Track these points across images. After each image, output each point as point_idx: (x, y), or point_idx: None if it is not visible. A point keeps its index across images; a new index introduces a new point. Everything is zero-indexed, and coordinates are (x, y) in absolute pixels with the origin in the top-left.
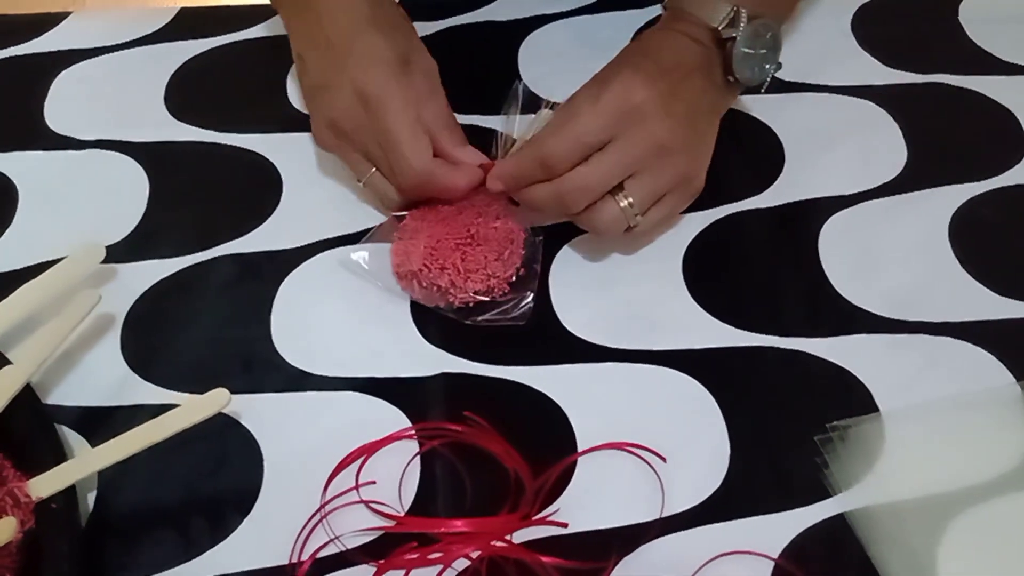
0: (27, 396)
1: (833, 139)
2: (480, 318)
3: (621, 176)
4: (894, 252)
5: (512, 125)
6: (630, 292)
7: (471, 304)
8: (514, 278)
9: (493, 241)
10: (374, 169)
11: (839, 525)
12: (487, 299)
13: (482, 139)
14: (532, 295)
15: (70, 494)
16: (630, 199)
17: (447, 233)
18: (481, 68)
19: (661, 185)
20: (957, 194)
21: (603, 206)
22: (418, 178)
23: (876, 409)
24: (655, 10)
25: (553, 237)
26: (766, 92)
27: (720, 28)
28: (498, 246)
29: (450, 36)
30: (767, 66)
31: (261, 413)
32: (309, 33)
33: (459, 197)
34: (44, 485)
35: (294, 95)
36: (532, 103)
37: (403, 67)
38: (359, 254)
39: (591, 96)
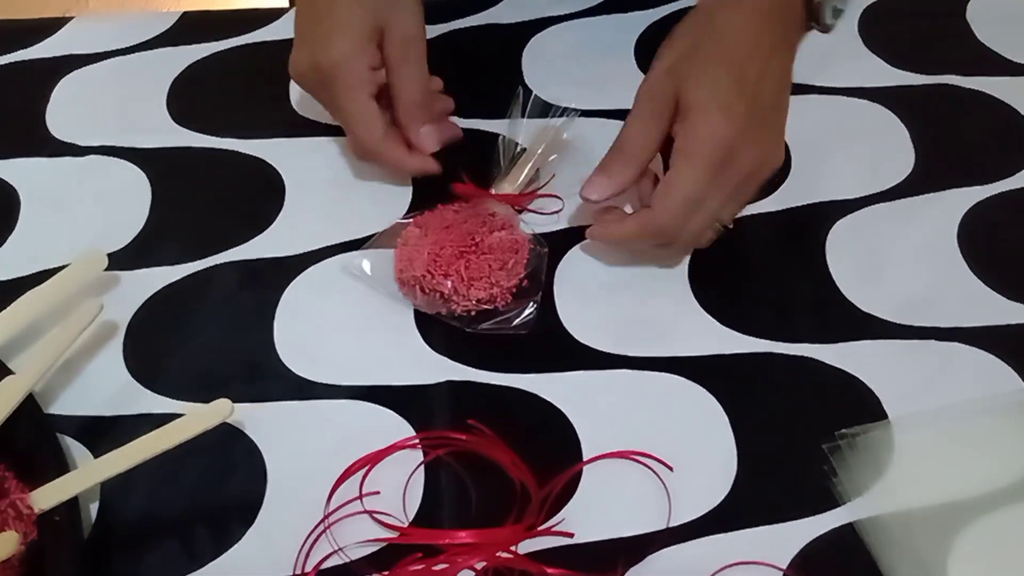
0: (29, 406)
1: (840, 142)
2: (482, 326)
3: (721, 211)
4: (902, 256)
5: (517, 129)
6: (636, 298)
7: (473, 312)
8: (517, 288)
9: (497, 250)
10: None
11: (848, 534)
12: (489, 307)
13: (485, 143)
14: (535, 305)
15: (73, 505)
16: (723, 219)
17: (451, 240)
18: (485, 71)
19: (748, 201)
20: (966, 197)
21: (704, 236)
22: (368, 155)
23: (885, 416)
24: (660, 12)
25: (558, 243)
26: None
27: None
28: (502, 255)
29: (454, 39)
30: (839, 7)
31: (264, 422)
32: None
33: (416, 174)
34: (46, 497)
35: (297, 100)
36: (536, 108)
37: (372, 37)
38: (361, 260)
39: (685, 152)
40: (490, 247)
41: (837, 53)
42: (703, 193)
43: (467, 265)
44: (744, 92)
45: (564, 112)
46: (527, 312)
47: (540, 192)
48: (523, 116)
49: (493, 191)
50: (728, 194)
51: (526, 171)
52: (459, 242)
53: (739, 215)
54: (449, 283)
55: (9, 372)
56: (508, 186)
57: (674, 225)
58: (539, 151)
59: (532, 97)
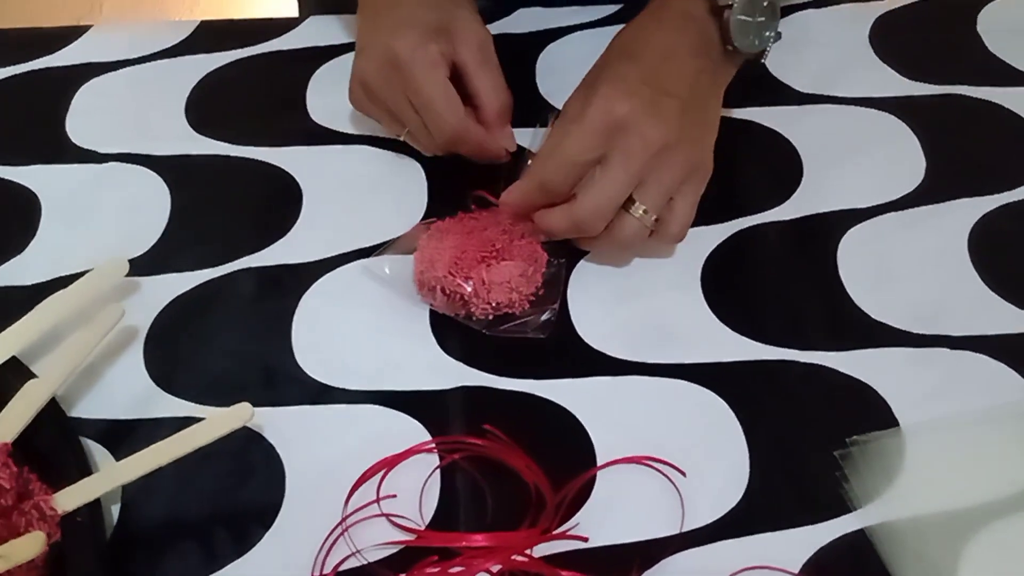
0: (52, 410)
1: (851, 151)
2: (500, 328)
3: (628, 189)
4: (913, 265)
5: (539, 141)
6: (649, 305)
7: (491, 316)
8: (535, 296)
9: (517, 258)
10: (406, 129)
11: (860, 540)
12: (508, 311)
13: None
14: (552, 311)
15: (95, 507)
16: (643, 207)
17: (473, 245)
18: None
19: (669, 184)
20: (976, 207)
21: (620, 222)
22: (454, 132)
23: (896, 423)
24: None
25: (573, 249)
26: (784, 104)
27: None
28: (522, 263)
29: None
30: (767, 33)
31: (283, 426)
32: (366, 3)
33: (495, 156)
34: (69, 498)
35: (314, 108)
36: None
37: (438, 34)
38: (381, 261)
39: (575, 116)
40: (510, 254)
41: (848, 64)
42: (589, 156)
43: (488, 269)
44: (648, 81)
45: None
46: (544, 318)
47: None
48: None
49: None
50: (635, 169)
51: None
52: (480, 248)
53: (753, 224)
54: (470, 286)
55: (32, 376)
56: None
57: (555, 182)
58: None
59: (556, 113)
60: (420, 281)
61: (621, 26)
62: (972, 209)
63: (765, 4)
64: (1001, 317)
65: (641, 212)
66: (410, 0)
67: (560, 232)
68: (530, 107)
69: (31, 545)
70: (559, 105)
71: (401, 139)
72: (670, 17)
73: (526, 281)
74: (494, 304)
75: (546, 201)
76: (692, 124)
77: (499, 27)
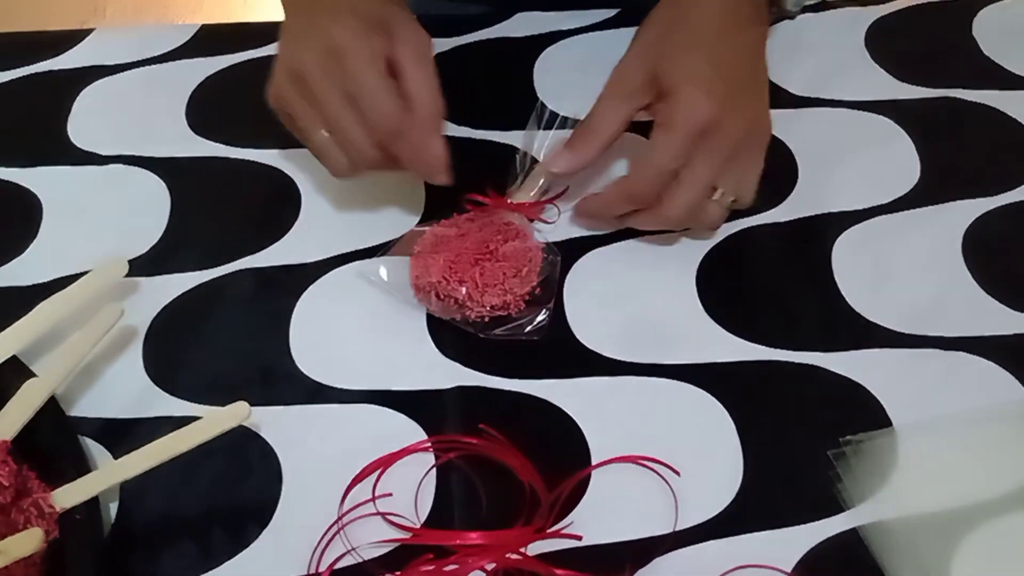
0: (52, 408)
1: (846, 154)
2: (495, 332)
3: (712, 183)
4: (908, 267)
5: (531, 141)
6: (644, 306)
7: (487, 318)
8: (530, 295)
9: (511, 258)
10: (324, 132)
11: (853, 539)
12: (503, 314)
13: (498, 154)
14: (547, 312)
15: (93, 505)
16: (723, 191)
17: (466, 248)
18: (497, 84)
19: (744, 166)
20: (970, 209)
21: (705, 210)
22: (394, 124)
23: (890, 424)
24: None
25: (568, 251)
26: (779, 107)
27: None
28: (516, 263)
29: (466, 53)
30: None
31: (280, 425)
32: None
33: (428, 164)
34: (68, 496)
35: None
36: (553, 121)
37: (379, 27)
38: (379, 266)
39: (663, 125)
40: (504, 255)
41: (844, 67)
42: (679, 163)
43: (482, 272)
44: (720, 72)
45: (568, 123)
46: (539, 319)
47: (550, 199)
48: (540, 128)
49: (509, 201)
50: (718, 164)
51: (540, 182)
52: (474, 250)
53: (748, 226)
54: (464, 289)
55: (32, 375)
56: (523, 196)
57: (646, 193)
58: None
59: (548, 111)
60: (416, 286)
61: (617, 30)
62: (966, 211)
63: None
64: (994, 318)
65: (720, 195)
66: None
67: (648, 227)
68: (529, 109)
69: (29, 541)
70: (555, 107)
71: (311, 149)
72: None
73: (520, 281)
74: (488, 307)
75: (629, 209)
76: (757, 99)
77: (498, 31)
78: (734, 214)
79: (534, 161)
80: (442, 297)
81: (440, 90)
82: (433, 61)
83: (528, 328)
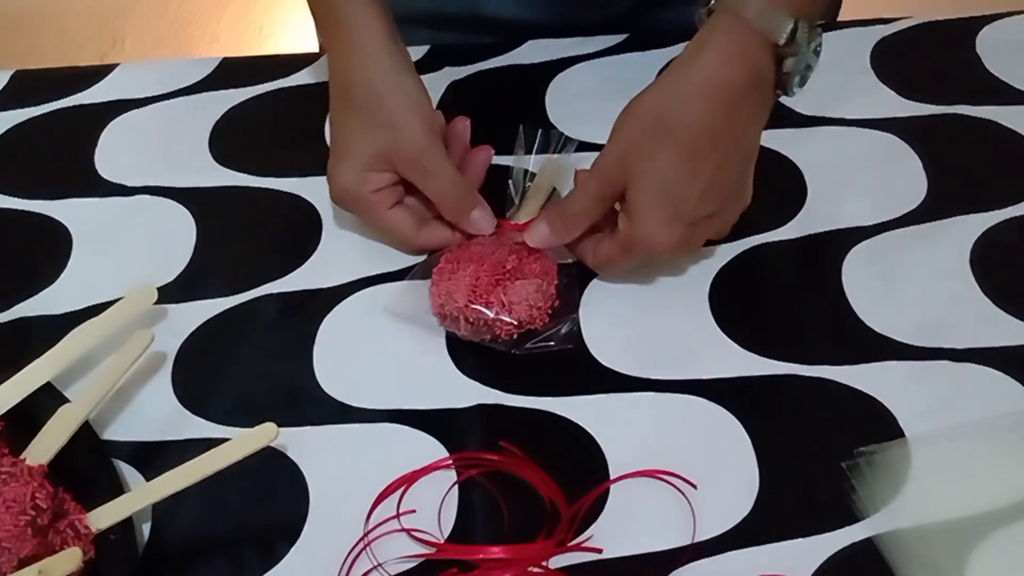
0: (86, 432)
1: (855, 171)
2: (527, 345)
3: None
4: (917, 280)
5: (523, 164)
6: (659, 323)
7: (515, 335)
8: (552, 309)
9: (530, 275)
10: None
11: (868, 549)
12: (531, 326)
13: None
14: (573, 320)
15: (128, 525)
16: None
17: (485, 271)
18: (510, 110)
19: (719, 225)
20: (977, 223)
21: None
22: (418, 249)
23: (902, 435)
24: (677, 48)
25: (583, 270)
26: (787, 126)
27: (782, 45)
28: (536, 279)
29: (480, 80)
30: (807, 74)
31: (306, 445)
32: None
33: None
34: (103, 517)
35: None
36: (543, 143)
37: (370, 166)
38: (397, 297)
39: (620, 240)
40: (522, 272)
41: (851, 86)
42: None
43: (505, 291)
44: (686, 202)
45: (564, 145)
46: (566, 329)
47: None
48: (528, 153)
49: (514, 222)
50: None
51: (541, 202)
52: (493, 271)
53: (760, 243)
54: (492, 311)
55: (66, 400)
56: (524, 216)
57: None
58: (549, 182)
59: (540, 133)
60: (441, 314)
61: (627, 55)
62: (973, 225)
63: (815, 47)
64: (1003, 329)
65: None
66: (351, 120)
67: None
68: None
69: (68, 562)
70: (568, 132)
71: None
72: (726, 61)
73: (542, 296)
74: (517, 323)
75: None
76: (741, 180)
77: (510, 59)
78: (744, 231)
79: (530, 178)
80: (471, 320)
81: (453, 177)
82: (436, 153)
83: (560, 335)
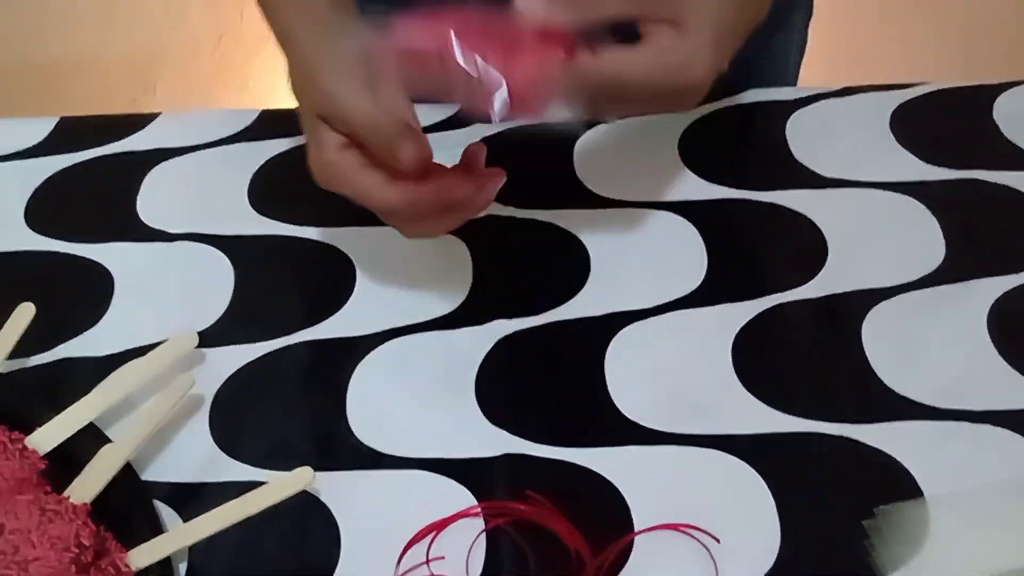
0: (127, 473)
1: (875, 233)
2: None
3: None
4: (935, 342)
5: None
6: (683, 379)
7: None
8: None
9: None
10: None
11: None
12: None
13: (540, 230)
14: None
15: (166, 565)
16: None
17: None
18: (538, 167)
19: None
20: (995, 286)
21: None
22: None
23: (921, 494)
24: (702, 110)
25: (607, 325)
26: (809, 188)
27: None
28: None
29: (509, 138)
30: None
31: (338, 490)
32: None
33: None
34: (142, 556)
35: None
36: None
37: (324, 123)
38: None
39: (648, 63)
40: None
41: (871, 150)
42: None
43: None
44: (732, 35)
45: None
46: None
47: None
48: None
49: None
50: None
51: None
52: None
53: (781, 303)
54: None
55: (108, 440)
56: None
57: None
58: None
59: None
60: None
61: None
62: (990, 288)
63: None
64: (1020, 392)
65: None
66: (303, 105)
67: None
68: (571, 190)
69: None
70: (595, 189)
71: None
72: None
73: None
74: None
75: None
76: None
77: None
78: (765, 290)
79: None
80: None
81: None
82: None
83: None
